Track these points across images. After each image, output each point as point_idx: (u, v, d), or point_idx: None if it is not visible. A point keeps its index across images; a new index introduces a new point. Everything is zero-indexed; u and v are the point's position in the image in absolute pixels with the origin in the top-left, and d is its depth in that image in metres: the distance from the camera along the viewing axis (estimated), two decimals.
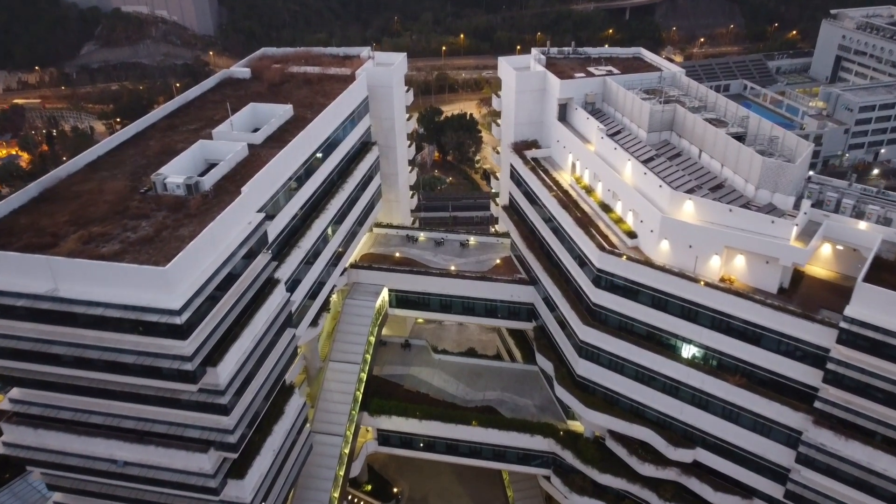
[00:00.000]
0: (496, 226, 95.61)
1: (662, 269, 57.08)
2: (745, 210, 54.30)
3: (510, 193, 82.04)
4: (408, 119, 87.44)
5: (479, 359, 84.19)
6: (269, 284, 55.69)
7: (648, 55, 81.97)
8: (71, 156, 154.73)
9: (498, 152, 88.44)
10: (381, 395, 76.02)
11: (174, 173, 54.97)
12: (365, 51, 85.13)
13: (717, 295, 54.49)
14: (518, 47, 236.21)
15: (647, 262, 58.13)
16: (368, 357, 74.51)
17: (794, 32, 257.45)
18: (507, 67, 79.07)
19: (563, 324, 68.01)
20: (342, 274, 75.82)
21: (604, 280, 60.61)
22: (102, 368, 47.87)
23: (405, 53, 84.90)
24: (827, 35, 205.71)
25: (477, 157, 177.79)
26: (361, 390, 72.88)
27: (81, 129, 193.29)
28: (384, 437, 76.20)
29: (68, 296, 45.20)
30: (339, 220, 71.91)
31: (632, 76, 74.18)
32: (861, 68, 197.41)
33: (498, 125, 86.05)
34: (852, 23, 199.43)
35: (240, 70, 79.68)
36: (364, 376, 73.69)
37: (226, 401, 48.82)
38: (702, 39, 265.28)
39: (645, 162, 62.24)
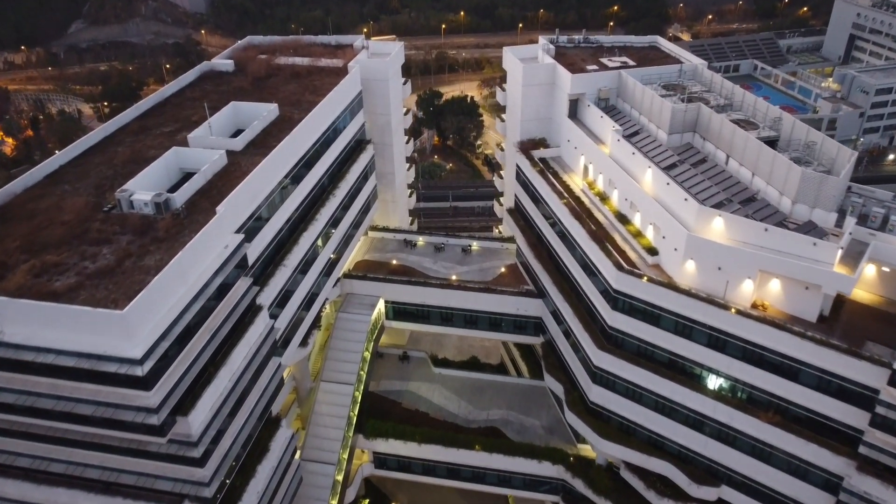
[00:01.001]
0: (500, 227, 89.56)
1: (688, 293, 51.28)
2: (784, 230, 48.16)
3: (516, 196, 75.83)
4: (405, 113, 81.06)
5: (481, 372, 78.65)
6: (250, 313, 49.86)
7: (666, 44, 75.48)
8: (57, 141, 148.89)
9: (502, 149, 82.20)
10: (377, 414, 70.86)
11: (143, 188, 49.03)
12: (359, 39, 78.68)
13: (751, 324, 48.69)
14: (521, 25, 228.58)
15: (671, 285, 52.23)
16: (363, 374, 69.10)
17: (805, 9, 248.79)
18: (512, 59, 72.53)
19: (574, 343, 62.37)
20: (335, 285, 70.04)
21: (621, 302, 54.85)
22: (59, 418, 42.29)
23: (402, 43, 78.44)
24: (840, 12, 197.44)
25: (478, 142, 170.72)
26: (356, 411, 67.51)
27: (68, 113, 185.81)
28: (381, 461, 71.06)
29: (14, 340, 39.53)
30: (331, 226, 65.89)
31: (649, 69, 67.87)
32: (876, 48, 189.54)
33: (502, 120, 79.69)
34: (867, 0, 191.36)
35: (222, 62, 73.25)
36: (359, 395, 68.20)
37: (199, 453, 43.26)
38: (710, 16, 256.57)
39: (666, 169, 56.21)
